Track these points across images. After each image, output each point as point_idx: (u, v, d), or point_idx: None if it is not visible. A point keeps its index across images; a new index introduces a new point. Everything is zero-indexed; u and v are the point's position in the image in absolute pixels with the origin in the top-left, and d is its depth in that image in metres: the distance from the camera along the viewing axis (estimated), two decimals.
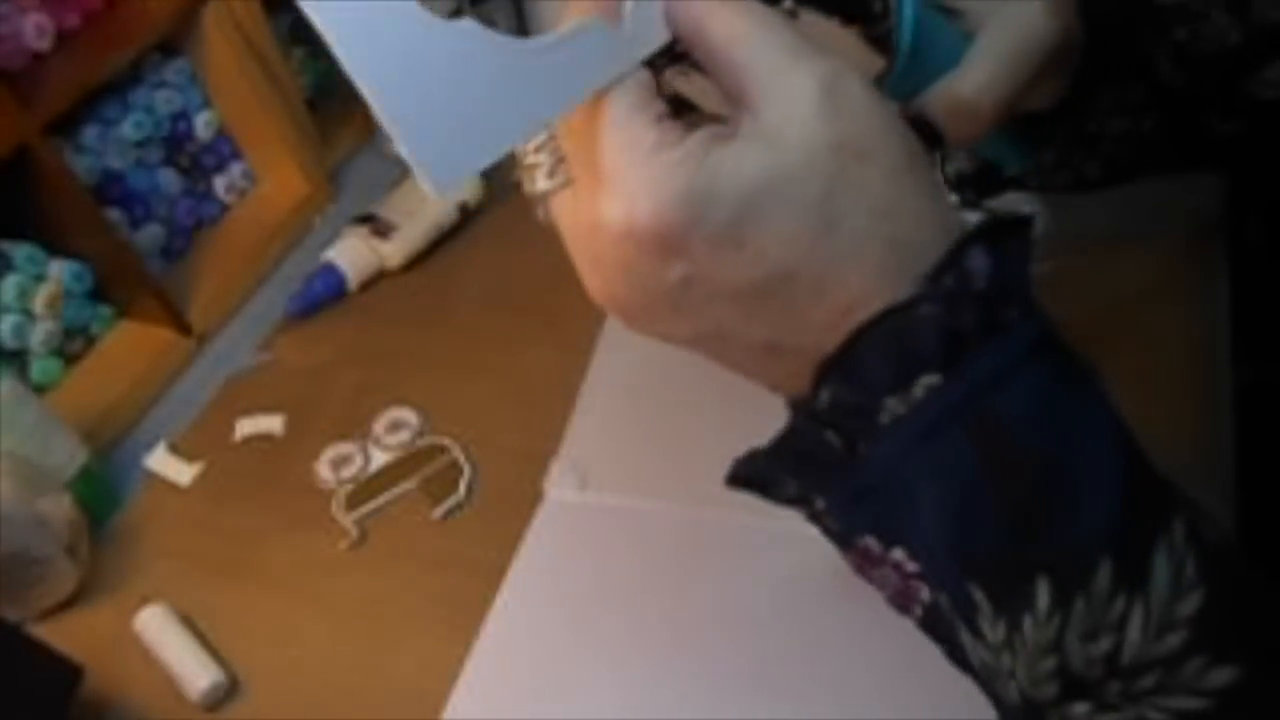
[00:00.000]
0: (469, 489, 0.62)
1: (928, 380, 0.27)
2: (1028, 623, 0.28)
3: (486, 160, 0.28)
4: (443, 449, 0.64)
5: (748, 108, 0.29)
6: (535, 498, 0.60)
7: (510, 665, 0.53)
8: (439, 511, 0.61)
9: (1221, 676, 0.27)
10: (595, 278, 0.31)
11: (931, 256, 0.28)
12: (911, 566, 0.30)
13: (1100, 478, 0.27)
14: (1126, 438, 0.29)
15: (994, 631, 0.29)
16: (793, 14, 0.35)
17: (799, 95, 0.28)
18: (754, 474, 0.33)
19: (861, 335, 0.28)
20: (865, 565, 0.32)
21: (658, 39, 0.31)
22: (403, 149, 0.27)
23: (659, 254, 0.28)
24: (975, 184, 0.49)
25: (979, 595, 0.29)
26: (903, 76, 0.39)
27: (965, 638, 0.30)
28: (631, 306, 0.31)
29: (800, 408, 0.31)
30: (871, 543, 0.31)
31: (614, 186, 0.28)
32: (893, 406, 0.28)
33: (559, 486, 0.60)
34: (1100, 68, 0.44)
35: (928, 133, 0.40)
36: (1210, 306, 0.65)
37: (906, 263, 0.28)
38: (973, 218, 0.32)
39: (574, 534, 0.58)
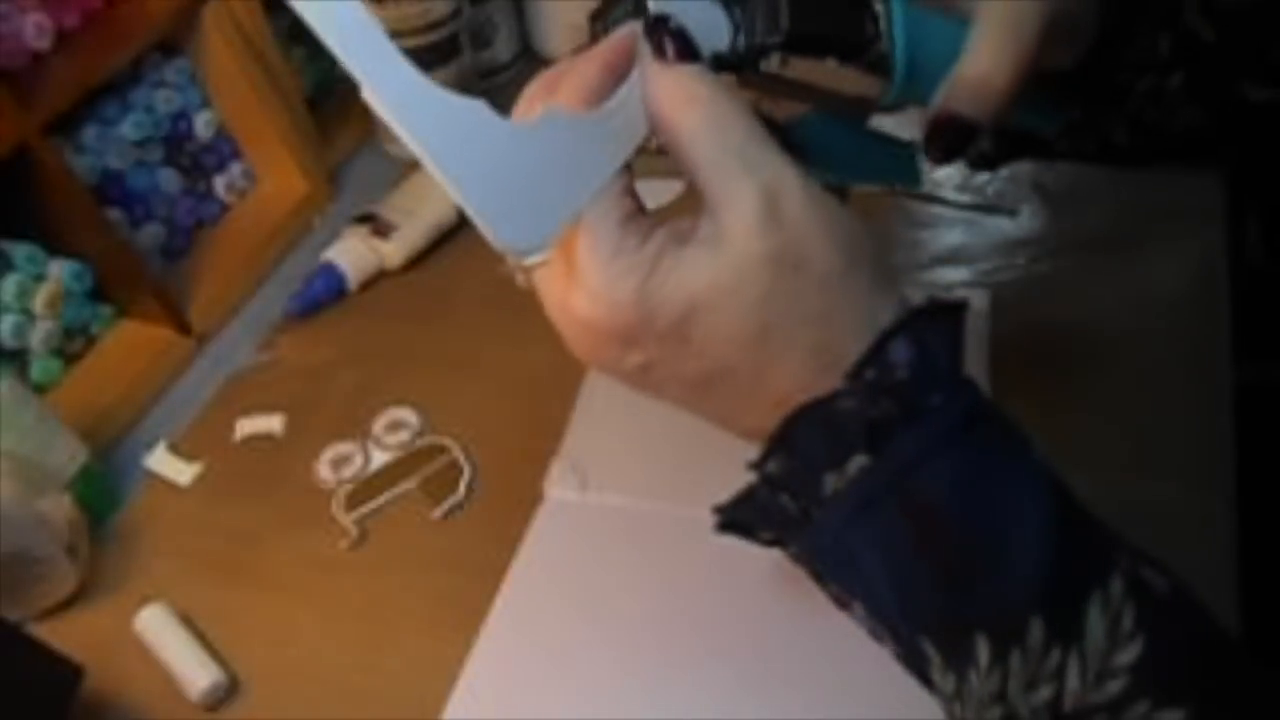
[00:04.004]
0: (469, 489, 0.62)
1: (858, 461, 0.30)
2: (973, 675, 0.30)
3: (553, 224, 0.32)
4: (443, 449, 0.64)
5: (705, 206, 0.32)
6: (535, 498, 0.60)
7: (510, 665, 0.53)
8: (439, 511, 0.61)
9: (1170, 718, 0.28)
10: (570, 344, 0.34)
11: (857, 352, 0.31)
12: (871, 619, 0.33)
13: (1027, 542, 0.29)
14: (1058, 503, 0.31)
15: (945, 682, 0.31)
16: (783, 61, 0.36)
17: (743, 207, 0.31)
18: (734, 520, 0.35)
19: (794, 421, 0.31)
20: (839, 604, 0.34)
21: (640, 133, 0.33)
22: (481, 225, 0.31)
23: (618, 345, 0.32)
24: (998, 150, 0.49)
25: (929, 649, 0.31)
26: (906, 88, 0.39)
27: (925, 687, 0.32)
28: (602, 371, 0.34)
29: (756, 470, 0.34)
30: (837, 590, 0.33)
31: (579, 282, 0.32)
32: (831, 482, 0.31)
33: (559, 486, 0.60)
34: (1126, 17, 0.43)
35: (960, 133, 0.39)
36: (1210, 306, 0.65)
37: (828, 363, 0.31)
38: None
39: (574, 534, 0.58)
